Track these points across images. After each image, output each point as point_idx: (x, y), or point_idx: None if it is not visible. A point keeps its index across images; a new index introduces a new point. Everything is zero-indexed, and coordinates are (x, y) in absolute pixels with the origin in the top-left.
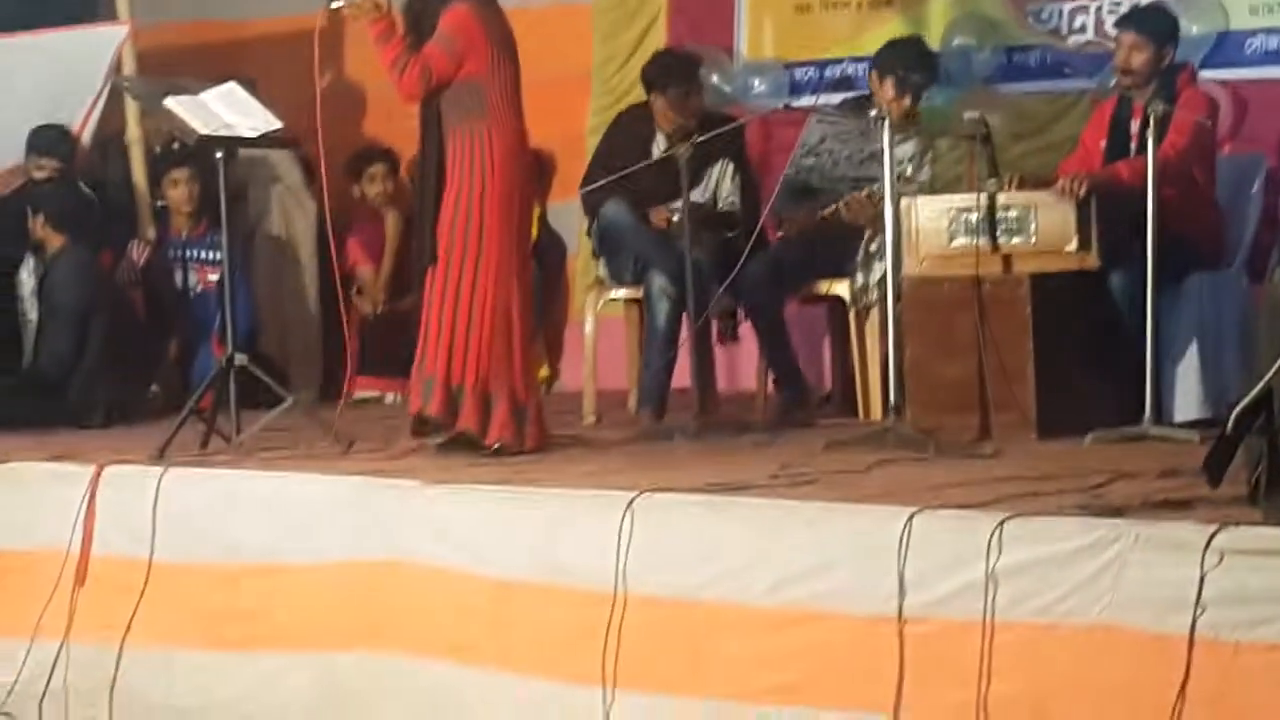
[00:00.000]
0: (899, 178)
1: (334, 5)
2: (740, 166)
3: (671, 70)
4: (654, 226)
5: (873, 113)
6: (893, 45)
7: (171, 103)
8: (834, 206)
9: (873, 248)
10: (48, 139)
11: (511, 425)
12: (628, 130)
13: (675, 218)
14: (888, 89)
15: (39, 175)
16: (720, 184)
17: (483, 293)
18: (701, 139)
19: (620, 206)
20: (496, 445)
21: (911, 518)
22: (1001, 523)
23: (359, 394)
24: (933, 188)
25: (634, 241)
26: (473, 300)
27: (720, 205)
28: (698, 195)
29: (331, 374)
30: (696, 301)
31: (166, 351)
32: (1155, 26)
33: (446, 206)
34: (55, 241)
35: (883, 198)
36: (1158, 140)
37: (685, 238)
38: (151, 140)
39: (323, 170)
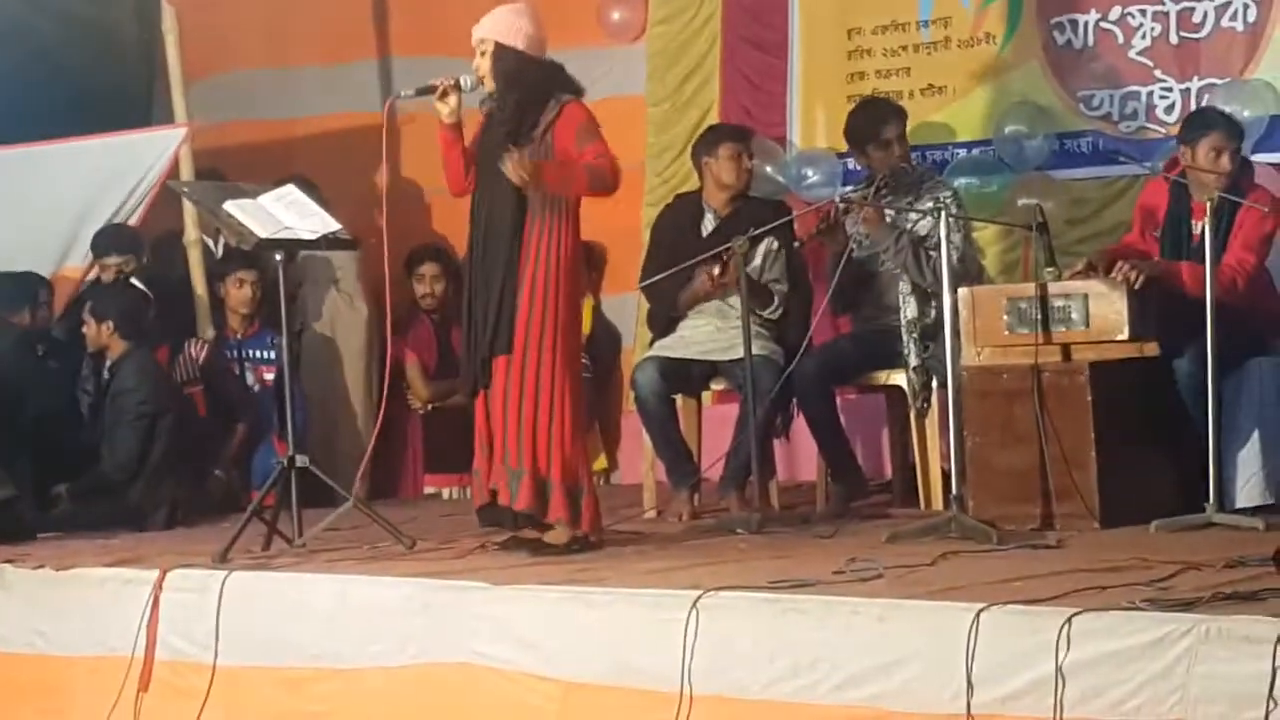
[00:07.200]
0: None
1: (404, 94)
2: (786, 248)
3: (722, 133)
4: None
5: (928, 204)
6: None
7: (231, 206)
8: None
9: (916, 334)
10: (115, 237)
11: (593, 515)
12: (676, 219)
13: (717, 271)
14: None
15: (105, 275)
16: (765, 263)
17: (561, 385)
18: (756, 232)
19: (650, 372)
20: (570, 539)
21: (979, 614)
22: (1070, 618)
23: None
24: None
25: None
26: (553, 392)
27: (764, 281)
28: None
29: (387, 472)
30: (755, 397)
31: (229, 446)
32: (1237, 127)
33: (523, 299)
34: (118, 347)
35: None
36: (1219, 250)
37: (745, 331)
38: (211, 240)
39: (386, 270)
